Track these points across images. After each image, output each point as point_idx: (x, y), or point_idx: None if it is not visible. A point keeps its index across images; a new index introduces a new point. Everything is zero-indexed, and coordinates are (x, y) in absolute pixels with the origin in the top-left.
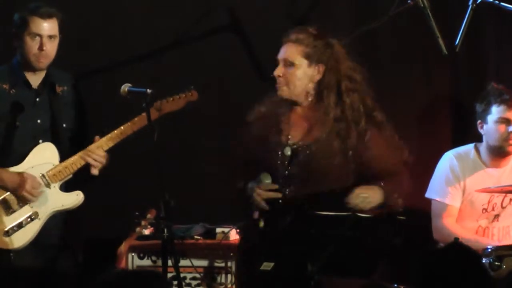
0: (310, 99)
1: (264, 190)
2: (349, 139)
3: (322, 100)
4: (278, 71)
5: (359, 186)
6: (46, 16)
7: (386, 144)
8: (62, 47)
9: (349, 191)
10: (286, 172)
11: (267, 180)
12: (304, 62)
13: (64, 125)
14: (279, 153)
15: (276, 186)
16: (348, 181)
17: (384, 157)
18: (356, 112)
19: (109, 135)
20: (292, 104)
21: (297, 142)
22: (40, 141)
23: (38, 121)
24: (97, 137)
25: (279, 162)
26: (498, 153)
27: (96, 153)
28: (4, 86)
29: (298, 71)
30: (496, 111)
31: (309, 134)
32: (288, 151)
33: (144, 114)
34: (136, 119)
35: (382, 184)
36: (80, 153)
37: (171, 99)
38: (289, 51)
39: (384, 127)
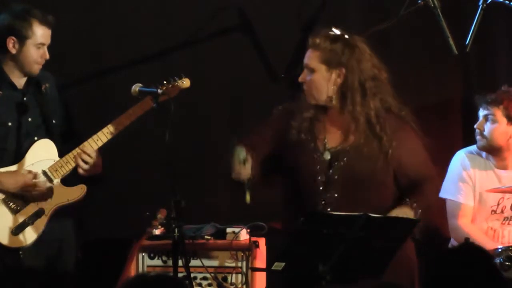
0: (334, 102)
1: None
2: (386, 140)
3: (348, 103)
4: (301, 77)
5: (391, 211)
6: (51, 25)
7: (420, 144)
8: (74, 46)
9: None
10: (325, 177)
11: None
12: (322, 67)
13: (54, 121)
14: (316, 158)
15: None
16: (388, 186)
17: (421, 156)
18: (384, 112)
19: (107, 127)
20: (322, 108)
21: (335, 147)
22: (35, 138)
23: (29, 119)
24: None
25: (318, 167)
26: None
27: (87, 151)
28: None
29: (317, 76)
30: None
31: (346, 138)
32: (327, 156)
33: (140, 103)
34: (131, 109)
35: (414, 204)
36: (77, 149)
37: (163, 87)
38: (309, 57)
39: (414, 127)
